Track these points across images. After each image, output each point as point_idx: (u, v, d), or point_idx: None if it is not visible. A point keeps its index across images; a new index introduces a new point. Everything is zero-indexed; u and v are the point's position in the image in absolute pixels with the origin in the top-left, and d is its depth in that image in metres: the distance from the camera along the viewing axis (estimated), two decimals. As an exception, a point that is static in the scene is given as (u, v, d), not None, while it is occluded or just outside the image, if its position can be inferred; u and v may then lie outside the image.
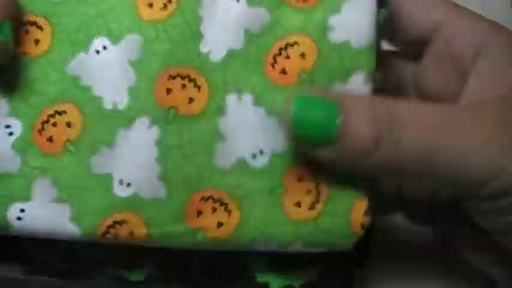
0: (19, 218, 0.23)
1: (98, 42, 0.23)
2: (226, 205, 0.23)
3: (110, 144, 0.23)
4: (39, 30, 0.23)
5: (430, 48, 0.27)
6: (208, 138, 0.23)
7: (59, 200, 0.23)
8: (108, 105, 0.23)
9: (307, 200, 0.23)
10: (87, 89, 0.23)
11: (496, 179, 0.21)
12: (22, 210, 0.23)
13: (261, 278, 0.24)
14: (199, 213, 0.23)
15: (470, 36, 0.25)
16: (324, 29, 0.23)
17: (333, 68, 0.23)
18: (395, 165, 0.21)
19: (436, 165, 0.21)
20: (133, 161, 0.23)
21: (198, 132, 0.23)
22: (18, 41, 0.23)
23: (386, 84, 0.24)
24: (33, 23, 0.23)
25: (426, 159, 0.21)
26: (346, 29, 0.23)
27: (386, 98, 0.22)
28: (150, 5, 0.24)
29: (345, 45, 0.23)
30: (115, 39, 0.23)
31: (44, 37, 0.23)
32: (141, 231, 0.23)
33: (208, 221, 0.23)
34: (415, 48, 0.27)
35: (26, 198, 0.23)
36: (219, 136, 0.23)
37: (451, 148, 0.21)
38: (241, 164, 0.23)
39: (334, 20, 0.23)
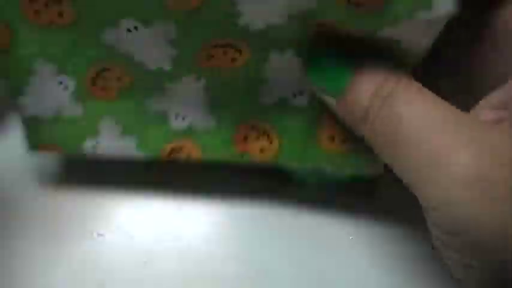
0: (93, 147, 0.26)
1: (128, 23, 0.23)
2: (268, 135, 0.25)
3: (161, 90, 0.25)
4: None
5: None
6: (252, 83, 0.24)
7: (124, 133, 0.26)
8: (152, 67, 0.24)
9: (340, 134, 0.25)
10: (126, 55, 0.24)
11: (436, 210, 0.19)
12: (94, 144, 0.26)
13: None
14: (245, 138, 0.26)
15: None
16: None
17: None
18: (373, 142, 0.22)
19: (396, 165, 0.21)
20: (184, 101, 0.25)
21: (242, 79, 0.24)
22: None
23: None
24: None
25: (391, 154, 0.21)
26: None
27: (402, 79, 0.21)
28: None
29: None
30: (145, 22, 0.23)
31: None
32: (196, 155, 0.26)
33: (253, 146, 0.26)
34: None
35: (95, 134, 0.26)
36: (263, 81, 0.24)
37: (413, 153, 0.20)
38: (283, 101, 0.25)
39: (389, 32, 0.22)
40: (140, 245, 0.28)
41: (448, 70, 0.24)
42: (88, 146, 0.26)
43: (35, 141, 0.26)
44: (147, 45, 0.23)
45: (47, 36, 0.23)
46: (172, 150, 0.26)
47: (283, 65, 0.24)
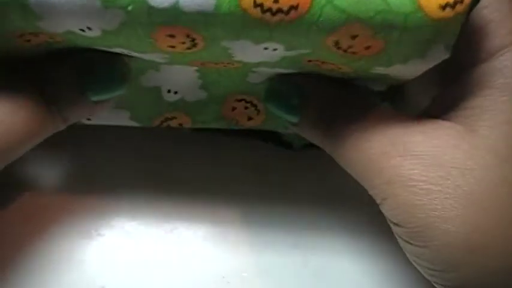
0: (88, 119, 0.26)
1: None
2: (256, 106, 0.27)
3: (156, 69, 0.25)
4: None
5: None
6: (241, 71, 0.25)
7: (117, 107, 0.26)
8: (147, 58, 0.23)
9: None
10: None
11: (381, 205, 0.22)
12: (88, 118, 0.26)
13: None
14: (234, 108, 0.27)
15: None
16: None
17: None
18: (334, 155, 0.24)
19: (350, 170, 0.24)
20: (177, 78, 0.26)
21: (231, 69, 0.24)
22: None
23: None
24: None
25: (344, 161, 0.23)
26: None
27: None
28: (172, 46, 0.21)
29: None
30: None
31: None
32: (187, 123, 0.27)
33: (241, 114, 0.27)
34: None
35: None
36: (252, 71, 0.25)
37: (355, 157, 0.23)
38: (271, 79, 0.26)
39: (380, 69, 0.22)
40: (140, 245, 0.29)
41: None
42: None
43: None
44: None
45: None
46: (166, 119, 0.27)
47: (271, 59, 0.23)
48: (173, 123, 0.27)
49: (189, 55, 0.22)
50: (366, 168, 0.22)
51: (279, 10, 0.18)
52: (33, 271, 0.27)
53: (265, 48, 0.21)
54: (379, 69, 0.22)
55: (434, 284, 0.23)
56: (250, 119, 0.27)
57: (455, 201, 0.21)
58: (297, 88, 0.25)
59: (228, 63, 0.23)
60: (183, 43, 0.20)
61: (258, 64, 0.23)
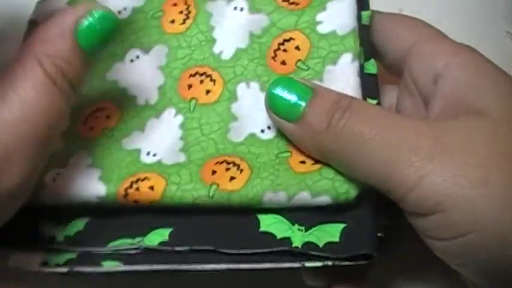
0: (54, 180, 0.25)
1: (132, 53, 0.29)
2: (238, 166, 0.25)
3: (141, 129, 0.27)
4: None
5: (403, 74, 0.28)
6: (223, 120, 0.27)
7: (91, 166, 0.26)
8: (141, 102, 0.28)
9: (310, 159, 0.25)
10: (123, 90, 0.28)
11: (413, 191, 0.22)
12: (58, 174, 0.25)
13: (281, 234, 0.25)
14: (214, 172, 0.25)
15: (429, 63, 0.26)
16: (314, 24, 0.28)
17: (324, 54, 0.27)
18: (337, 150, 0.24)
19: (362, 165, 0.23)
20: (159, 139, 0.27)
21: (214, 116, 0.27)
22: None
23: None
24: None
25: (356, 153, 0.23)
26: (332, 21, 0.28)
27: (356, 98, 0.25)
28: (172, 21, 0.29)
29: (331, 34, 0.27)
30: (146, 49, 0.29)
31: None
32: (160, 186, 0.25)
33: (222, 177, 0.25)
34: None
35: (64, 166, 0.26)
36: (232, 118, 0.27)
37: (380, 151, 0.23)
38: (252, 137, 0.26)
39: (321, 16, 0.28)
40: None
41: None
42: (48, 177, 0.25)
43: None
44: (142, 74, 0.28)
45: None
46: (137, 180, 0.25)
47: (250, 100, 0.27)
48: (144, 186, 0.25)
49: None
50: (396, 151, 0.22)
51: None
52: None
53: (235, 9, 0.29)
54: None
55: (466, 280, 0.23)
56: (232, 178, 0.25)
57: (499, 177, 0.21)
58: (298, 82, 0.25)
59: (208, 73, 0.27)
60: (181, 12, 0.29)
61: (235, 65, 0.27)
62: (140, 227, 0.25)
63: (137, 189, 0.25)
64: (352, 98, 0.25)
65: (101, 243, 0.25)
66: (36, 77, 0.22)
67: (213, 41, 0.29)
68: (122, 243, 0.25)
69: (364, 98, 0.26)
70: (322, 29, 0.28)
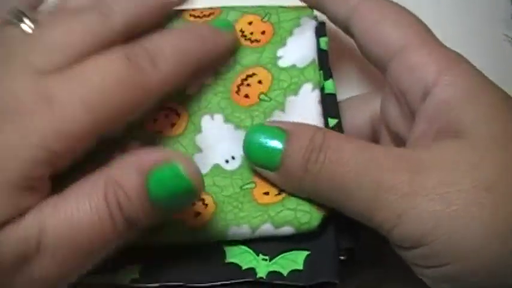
0: None
1: None
2: (203, 200, 0.26)
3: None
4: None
5: (387, 80, 0.27)
6: (188, 151, 0.27)
7: None
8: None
9: (274, 190, 0.26)
10: None
11: (394, 229, 0.23)
12: None
13: (246, 265, 0.25)
14: None
15: (418, 76, 0.25)
16: (275, 59, 0.29)
17: (286, 85, 0.28)
18: (319, 193, 0.24)
19: (346, 204, 0.24)
20: None
21: (180, 148, 0.27)
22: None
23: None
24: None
25: (338, 195, 0.23)
26: (291, 56, 0.29)
27: (329, 131, 0.25)
28: None
29: (292, 68, 0.28)
30: None
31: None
32: None
33: (187, 213, 0.25)
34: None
35: None
36: (197, 149, 0.27)
37: (360, 192, 0.23)
38: (217, 168, 0.27)
39: (281, 52, 0.29)
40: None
41: None
42: None
43: None
44: None
45: None
46: None
47: (214, 132, 0.27)
48: None
49: None
50: (374, 191, 0.22)
51: None
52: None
53: None
54: None
55: None
56: (197, 214, 0.25)
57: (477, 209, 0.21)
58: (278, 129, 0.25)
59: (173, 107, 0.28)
60: None
61: (199, 98, 0.28)
62: (108, 262, 0.25)
63: None
64: (324, 132, 0.25)
65: None
66: (95, 192, 0.22)
67: None
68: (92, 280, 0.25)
69: (326, 118, 0.27)
70: (283, 63, 0.29)
